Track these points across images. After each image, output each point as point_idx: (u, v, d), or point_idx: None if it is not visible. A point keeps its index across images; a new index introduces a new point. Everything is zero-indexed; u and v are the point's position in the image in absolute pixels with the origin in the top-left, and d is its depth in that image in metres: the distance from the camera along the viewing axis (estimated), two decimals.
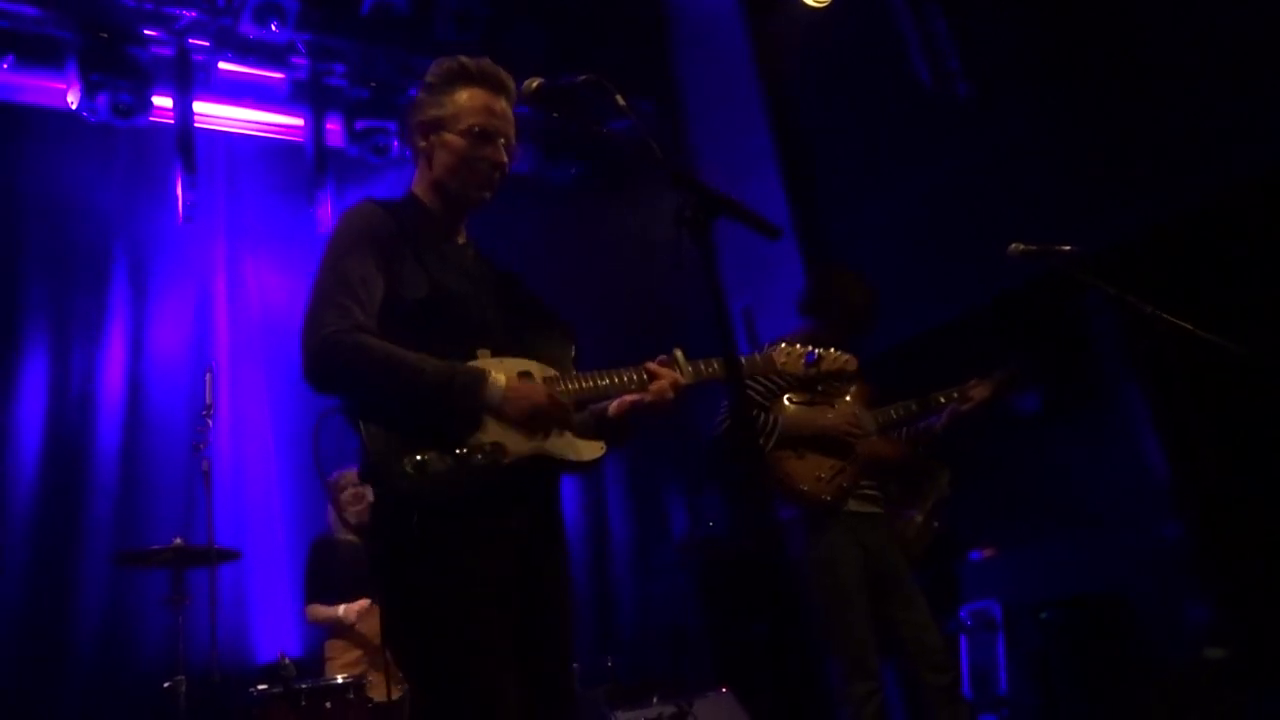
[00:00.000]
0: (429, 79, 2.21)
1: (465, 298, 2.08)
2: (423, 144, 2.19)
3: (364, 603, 4.28)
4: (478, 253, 2.30)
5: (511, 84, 2.20)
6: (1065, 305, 4.90)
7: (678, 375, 2.14)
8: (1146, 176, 4.53)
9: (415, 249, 2.07)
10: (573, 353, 2.23)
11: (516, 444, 1.94)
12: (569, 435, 2.05)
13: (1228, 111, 4.24)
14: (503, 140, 2.18)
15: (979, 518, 5.12)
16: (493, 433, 1.93)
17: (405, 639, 1.94)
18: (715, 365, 2.20)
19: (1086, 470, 5.15)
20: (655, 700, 4.26)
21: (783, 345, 2.41)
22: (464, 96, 2.16)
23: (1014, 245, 3.20)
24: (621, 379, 2.14)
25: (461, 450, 1.89)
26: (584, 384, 2.11)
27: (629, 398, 2.14)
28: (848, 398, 3.55)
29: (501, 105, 2.18)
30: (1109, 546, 4.87)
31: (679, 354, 2.19)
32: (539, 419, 1.97)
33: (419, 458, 1.85)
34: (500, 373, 1.97)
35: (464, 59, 2.20)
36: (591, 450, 2.08)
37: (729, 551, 5.92)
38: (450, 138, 2.15)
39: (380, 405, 1.91)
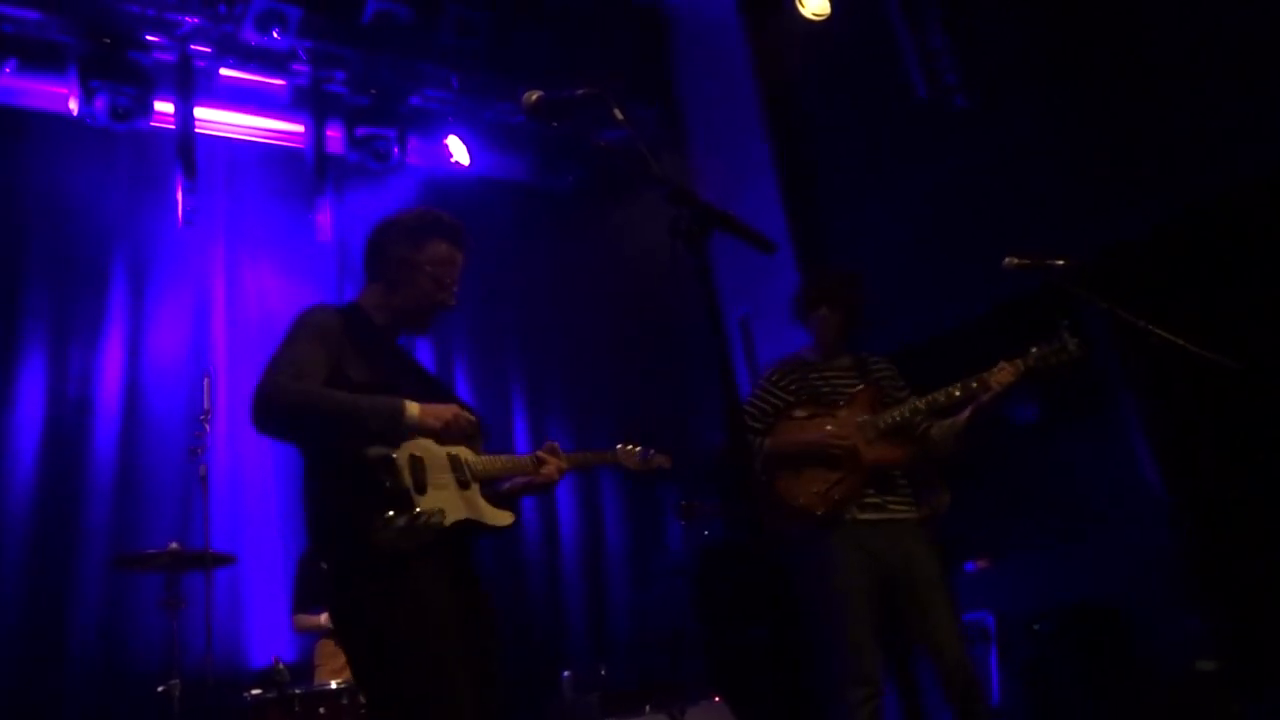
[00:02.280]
0: (409, 221, 2.60)
1: (397, 386, 2.42)
2: (390, 272, 2.56)
3: None
4: (408, 352, 2.72)
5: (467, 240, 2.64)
6: (1062, 313, 4.91)
7: (561, 462, 2.66)
8: (1152, 177, 4.53)
9: (358, 345, 2.45)
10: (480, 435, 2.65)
11: (454, 511, 2.37)
12: (489, 505, 2.48)
13: (1233, 111, 4.23)
14: (455, 288, 2.61)
15: (973, 528, 5.12)
16: (436, 500, 2.32)
17: (377, 670, 2.23)
18: (588, 456, 2.98)
19: (1082, 480, 5.16)
20: (648, 708, 4.27)
21: (620, 446, 2.98)
22: (438, 248, 2.56)
23: (1009, 259, 3.21)
24: (518, 461, 2.63)
25: (417, 512, 2.27)
26: (489, 464, 2.56)
27: (521, 480, 2.62)
28: (853, 405, 3.54)
29: (461, 259, 2.62)
30: (1103, 557, 4.88)
31: (555, 445, 2.71)
32: (452, 428, 2.40)
33: (389, 513, 2.23)
34: (413, 404, 2.35)
35: (441, 214, 2.63)
36: (505, 518, 2.53)
37: (725, 559, 5.93)
38: (420, 279, 2.54)
39: (321, 435, 2.29)
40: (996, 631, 4.86)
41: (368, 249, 2.63)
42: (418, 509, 2.26)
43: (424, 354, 6.49)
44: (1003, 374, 3.30)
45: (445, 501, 2.34)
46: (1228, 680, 3.99)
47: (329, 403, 2.27)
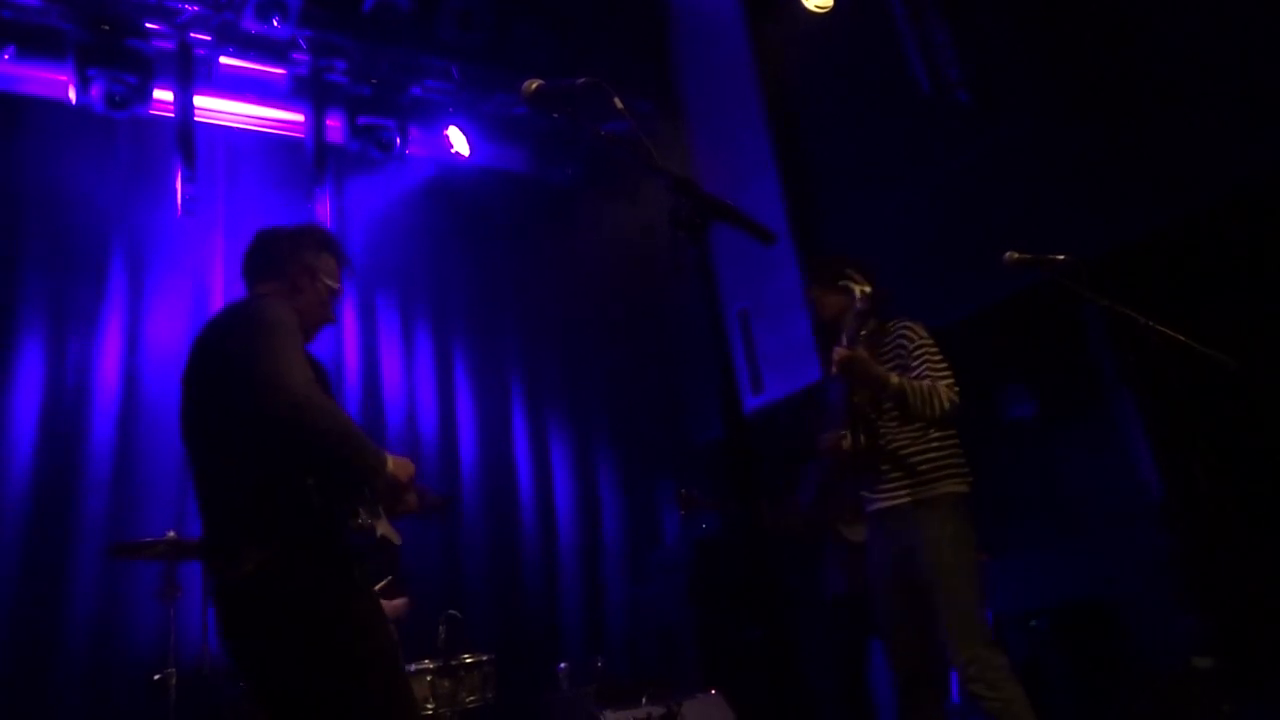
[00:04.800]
0: (309, 234, 2.72)
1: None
2: (297, 276, 2.63)
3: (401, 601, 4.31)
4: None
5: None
6: (1062, 312, 4.91)
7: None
8: (1157, 176, 4.51)
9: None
10: None
11: (378, 527, 2.47)
12: (390, 525, 2.54)
13: (1243, 110, 4.22)
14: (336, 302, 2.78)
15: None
16: (364, 517, 2.41)
17: (346, 659, 2.21)
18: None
19: (1078, 479, 5.16)
20: (644, 701, 4.27)
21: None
22: (330, 262, 2.71)
23: (1009, 254, 3.20)
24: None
25: (365, 520, 2.38)
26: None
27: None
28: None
29: (342, 285, 2.77)
30: (1099, 555, 4.88)
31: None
32: (411, 482, 2.46)
33: (357, 519, 2.36)
34: (390, 458, 2.43)
35: (330, 233, 2.81)
36: (398, 537, 2.59)
37: (721, 553, 5.94)
38: (319, 285, 2.65)
39: (320, 450, 2.27)
40: (993, 627, 4.86)
41: (265, 248, 2.65)
42: (363, 518, 2.37)
43: (422, 341, 6.50)
44: (837, 355, 3.18)
45: (376, 522, 2.45)
46: (1223, 678, 4.00)
47: (350, 429, 2.27)
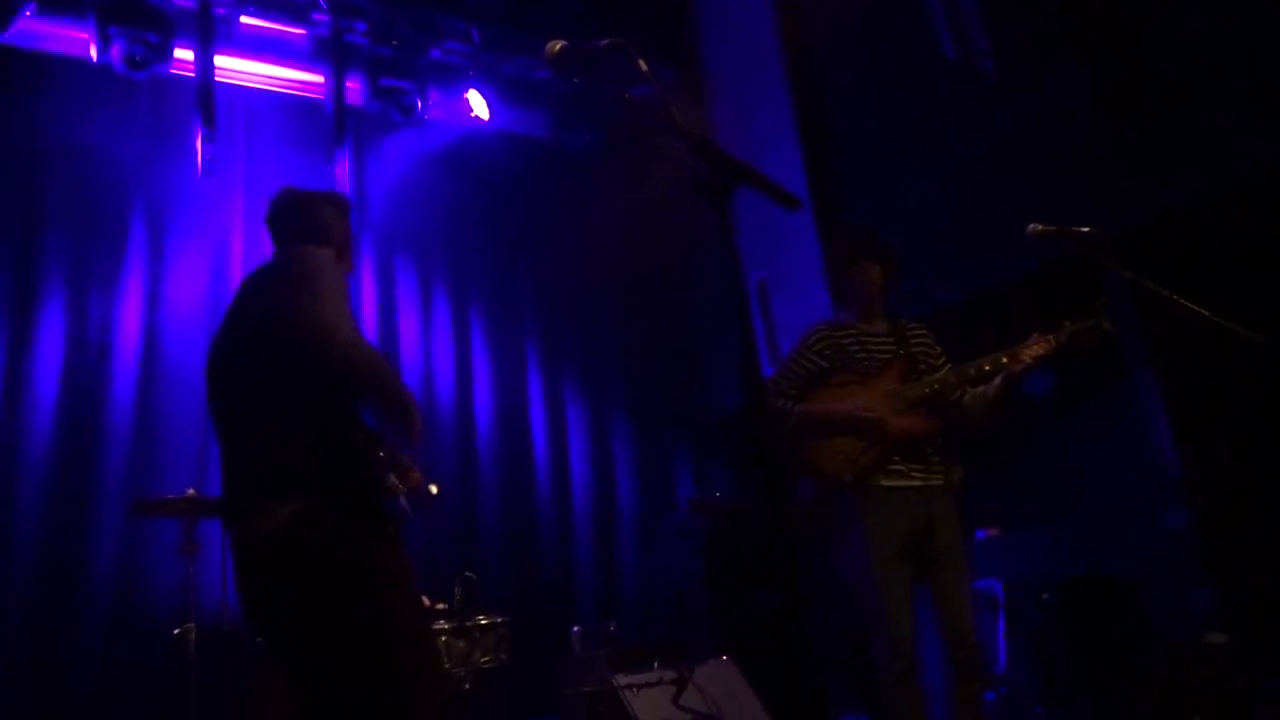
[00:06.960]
0: (348, 208, 2.78)
1: None
2: (343, 247, 2.69)
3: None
4: None
5: None
6: (1081, 288, 4.85)
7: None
8: (1174, 159, 4.45)
9: None
10: None
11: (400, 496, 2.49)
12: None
13: (1261, 94, 4.14)
14: None
15: (985, 497, 5.11)
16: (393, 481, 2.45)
17: (375, 620, 2.23)
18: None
19: (1095, 453, 5.14)
20: (656, 665, 4.30)
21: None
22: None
23: (1033, 225, 3.18)
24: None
25: (394, 483, 2.42)
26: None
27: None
28: (884, 374, 3.51)
29: None
30: (1114, 530, 4.87)
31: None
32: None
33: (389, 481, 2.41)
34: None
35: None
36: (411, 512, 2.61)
37: (735, 520, 5.95)
38: (350, 259, 2.76)
39: (375, 401, 2.33)
40: (1005, 599, 4.87)
41: (309, 210, 2.67)
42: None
43: (440, 305, 6.51)
44: (1035, 348, 3.31)
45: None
46: (1237, 654, 3.99)
47: (400, 386, 2.31)
